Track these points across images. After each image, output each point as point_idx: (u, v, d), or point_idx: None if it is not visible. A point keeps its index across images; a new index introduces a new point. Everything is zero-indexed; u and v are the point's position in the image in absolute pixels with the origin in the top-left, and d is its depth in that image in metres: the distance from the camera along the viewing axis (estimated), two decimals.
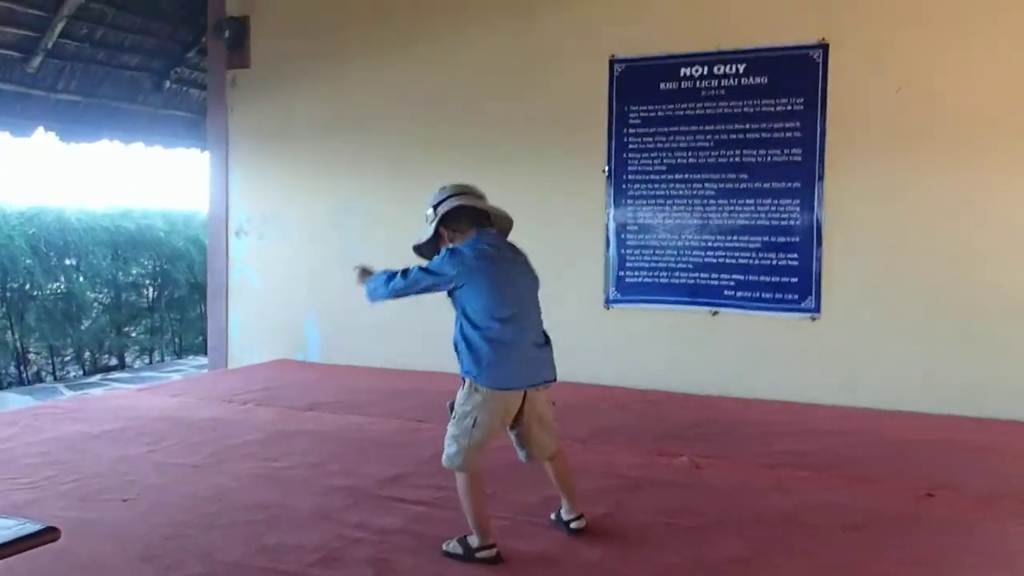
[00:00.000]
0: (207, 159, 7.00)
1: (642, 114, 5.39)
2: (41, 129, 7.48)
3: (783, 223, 5.08)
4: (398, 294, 2.82)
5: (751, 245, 5.15)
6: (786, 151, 5.05)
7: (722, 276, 5.23)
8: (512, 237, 2.96)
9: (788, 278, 5.07)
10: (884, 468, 3.75)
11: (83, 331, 8.56)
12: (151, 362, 9.27)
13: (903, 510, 3.19)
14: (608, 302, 5.52)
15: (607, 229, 5.50)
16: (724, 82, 5.18)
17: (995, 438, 4.22)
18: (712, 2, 5.24)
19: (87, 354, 8.68)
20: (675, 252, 5.34)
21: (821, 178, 4.96)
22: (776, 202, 5.09)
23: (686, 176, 5.30)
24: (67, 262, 8.49)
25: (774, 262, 5.10)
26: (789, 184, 5.05)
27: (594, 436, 4.19)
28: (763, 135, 5.09)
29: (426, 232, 2.86)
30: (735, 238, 5.19)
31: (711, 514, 3.14)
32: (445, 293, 2.81)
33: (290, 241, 6.54)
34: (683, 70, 5.26)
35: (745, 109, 5.13)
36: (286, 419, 4.64)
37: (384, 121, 6.15)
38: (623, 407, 4.91)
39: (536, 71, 5.66)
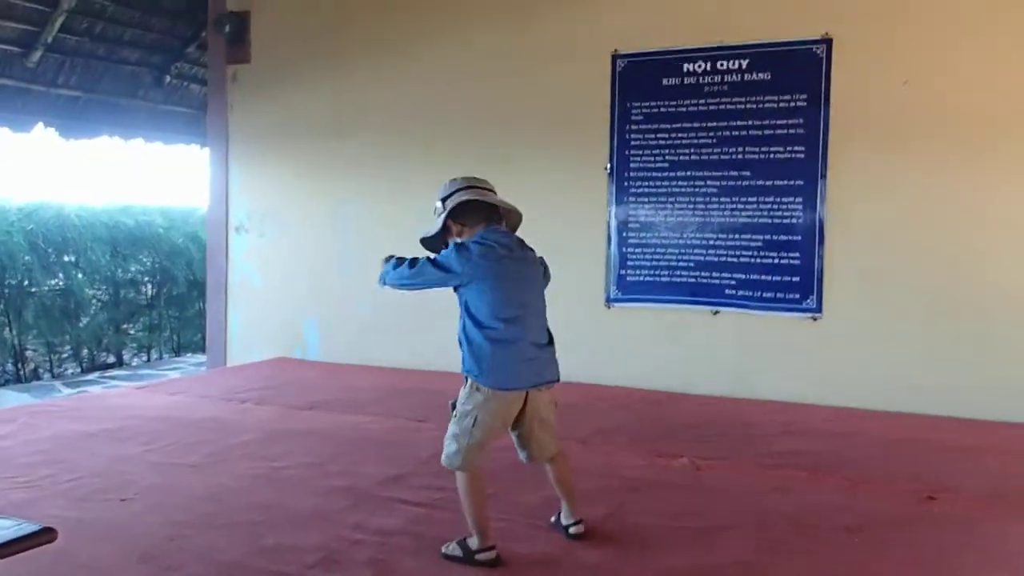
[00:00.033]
0: (207, 155, 6.99)
1: (644, 110, 5.36)
2: (41, 125, 7.47)
3: (785, 221, 5.05)
4: (403, 283, 2.76)
5: (753, 244, 5.13)
6: (789, 148, 5.02)
7: (723, 275, 5.21)
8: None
9: (789, 277, 5.05)
10: (885, 469, 3.74)
11: (81, 328, 8.54)
12: (149, 360, 9.25)
13: (904, 511, 3.18)
14: (609, 301, 5.50)
15: (608, 227, 5.48)
16: (727, 78, 5.15)
17: (996, 439, 4.21)
18: None
19: (85, 351, 8.66)
20: (676, 251, 5.32)
21: (824, 176, 4.93)
22: (778, 200, 5.05)
23: (688, 173, 5.27)
24: (66, 259, 8.46)
25: (775, 261, 5.08)
26: (791, 182, 5.02)
27: (594, 436, 4.18)
28: (766, 132, 5.06)
29: (435, 225, 2.81)
30: (737, 236, 5.16)
31: (712, 516, 3.12)
32: (450, 289, 2.78)
33: (290, 239, 6.51)
34: (686, 65, 5.23)
35: (748, 105, 5.09)
36: (285, 418, 4.62)
37: (384, 119, 6.12)
38: (623, 407, 4.89)
39: (537, 68, 5.63)
